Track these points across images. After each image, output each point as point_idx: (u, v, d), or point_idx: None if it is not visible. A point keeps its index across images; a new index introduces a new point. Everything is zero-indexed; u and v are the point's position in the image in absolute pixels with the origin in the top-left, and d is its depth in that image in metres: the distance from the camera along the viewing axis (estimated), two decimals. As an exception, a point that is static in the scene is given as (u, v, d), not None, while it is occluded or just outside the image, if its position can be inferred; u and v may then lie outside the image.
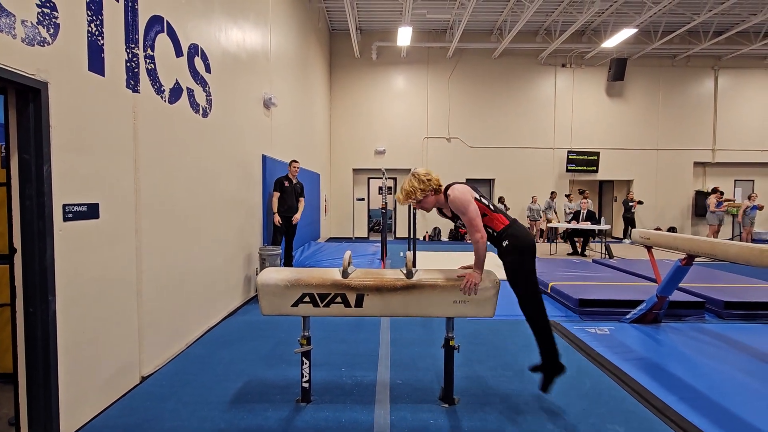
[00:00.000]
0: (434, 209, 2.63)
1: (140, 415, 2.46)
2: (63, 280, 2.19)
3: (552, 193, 11.77)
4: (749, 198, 10.47)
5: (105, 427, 2.35)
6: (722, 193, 10.64)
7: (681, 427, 2.36)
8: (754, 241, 10.92)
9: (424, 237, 12.79)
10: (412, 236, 6.81)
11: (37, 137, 2.06)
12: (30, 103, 2.05)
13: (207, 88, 3.92)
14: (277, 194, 5.61)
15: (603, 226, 8.97)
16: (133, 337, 2.82)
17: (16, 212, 2.07)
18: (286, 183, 5.70)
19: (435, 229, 12.82)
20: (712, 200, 10.43)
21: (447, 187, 2.47)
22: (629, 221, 11.98)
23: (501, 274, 2.53)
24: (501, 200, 12.33)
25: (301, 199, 5.97)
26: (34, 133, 2.06)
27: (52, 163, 2.12)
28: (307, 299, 2.46)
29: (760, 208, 10.40)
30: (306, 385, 2.61)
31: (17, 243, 2.08)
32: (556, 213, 11.58)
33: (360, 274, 2.51)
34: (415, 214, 7.04)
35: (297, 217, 5.91)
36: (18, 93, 2.04)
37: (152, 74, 3.04)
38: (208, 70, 3.94)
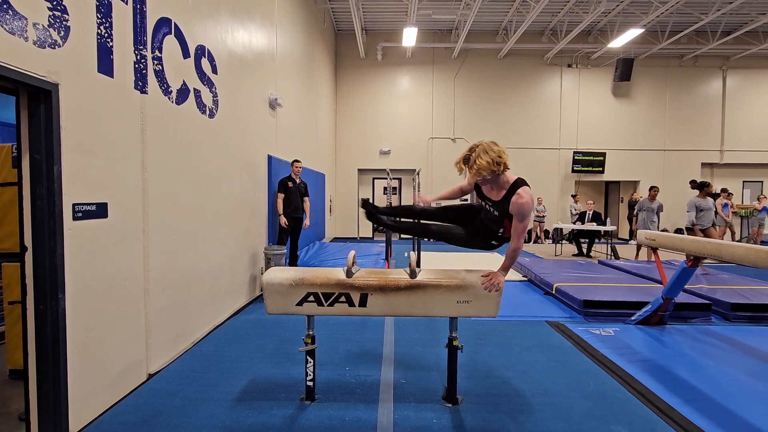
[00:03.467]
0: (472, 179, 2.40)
1: (147, 412, 2.49)
2: (72, 278, 2.23)
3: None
4: (758, 200, 10.37)
5: (113, 423, 2.39)
6: (730, 195, 10.52)
7: (685, 429, 2.35)
8: (763, 243, 10.80)
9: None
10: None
11: (48, 138, 2.10)
12: (41, 104, 2.09)
13: (213, 89, 3.96)
14: (281, 195, 5.63)
15: (608, 227, 8.93)
16: (140, 334, 2.86)
17: (27, 211, 2.11)
18: (290, 184, 5.72)
19: (440, 229, 12.81)
20: (718, 202, 10.35)
21: (519, 182, 2.34)
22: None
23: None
24: None
25: (306, 198, 6.00)
26: (45, 133, 2.09)
27: (62, 163, 2.16)
28: (311, 298, 2.48)
29: None
30: (310, 383, 2.63)
31: (28, 241, 2.11)
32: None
33: (364, 273, 2.52)
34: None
35: (307, 222, 5.97)
36: (29, 94, 2.08)
37: (160, 75, 3.08)
38: (214, 71, 3.98)
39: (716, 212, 10.23)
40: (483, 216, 2.53)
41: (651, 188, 8.11)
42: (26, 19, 1.97)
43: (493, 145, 2.27)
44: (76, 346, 2.27)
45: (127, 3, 2.70)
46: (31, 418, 2.17)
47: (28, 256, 2.12)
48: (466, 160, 2.29)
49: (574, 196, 11.45)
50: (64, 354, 2.19)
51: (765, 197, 10.51)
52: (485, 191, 2.44)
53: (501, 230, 2.46)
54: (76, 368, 2.27)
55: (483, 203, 2.50)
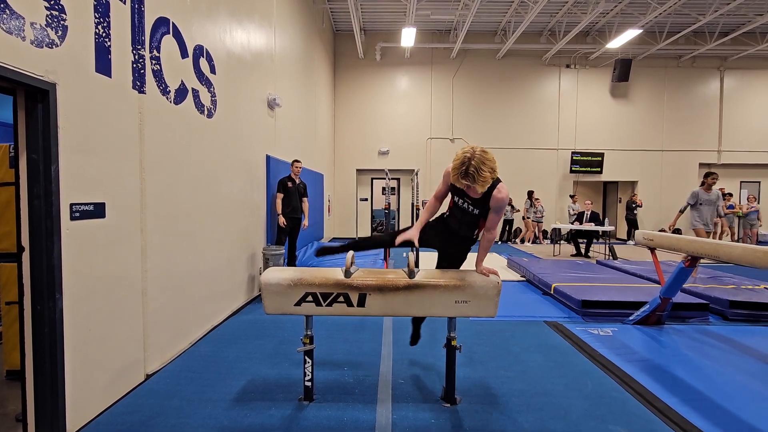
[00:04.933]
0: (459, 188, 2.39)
1: (145, 412, 2.49)
2: (70, 279, 2.22)
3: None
4: (747, 200, 10.43)
5: (110, 423, 2.38)
6: (729, 195, 10.54)
7: (683, 429, 2.36)
8: (759, 243, 10.84)
9: (428, 237, 12.75)
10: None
11: (46, 137, 2.09)
12: (38, 104, 2.08)
13: (212, 89, 3.95)
14: (280, 195, 5.63)
15: (606, 228, 8.95)
16: (138, 335, 2.85)
17: (25, 211, 2.10)
18: (289, 184, 5.72)
19: (438, 229, 12.79)
20: None
21: (496, 179, 2.36)
22: (632, 223, 11.93)
23: (504, 275, 2.54)
24: (530, 194, 12.07)
25: (305, 199, 6.00)
26: (43, 133, 2.09)
27: (59, 162, 2.15)
28: (309, 298, 2.48)
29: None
30: (308, 383, 2.63)
31: (25, 241, 2.11)
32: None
33: (362, 273, 2.52)
34: (418, 216, 7.05)
35: (305, 223, 5.97)
36: (27, 94, 2.07)
37: (158, 75, 3.07)
38: (213, 71, 3.98)
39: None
40: (459, 225, 2.60)
41: (708, 175, 6.20)
42: (24, 18, 1.96)
43: (486, 155, 2.25)
44: (74, 347, 2.26)
45: (125, 2, 2.69)
46: (29, 419, 2.16)
47: (26, 257, 2.11)
48: (465, 174, 2.24)
49: (572, 197, 11.46)
50: (62, 354, 2.18)
51: (754, 198, 10.55)
52: (466, 190, 2.39)
53: (476, 233, 2.59)
54: (73, 369, 2.26)
55: (459, 201, 2.50)
